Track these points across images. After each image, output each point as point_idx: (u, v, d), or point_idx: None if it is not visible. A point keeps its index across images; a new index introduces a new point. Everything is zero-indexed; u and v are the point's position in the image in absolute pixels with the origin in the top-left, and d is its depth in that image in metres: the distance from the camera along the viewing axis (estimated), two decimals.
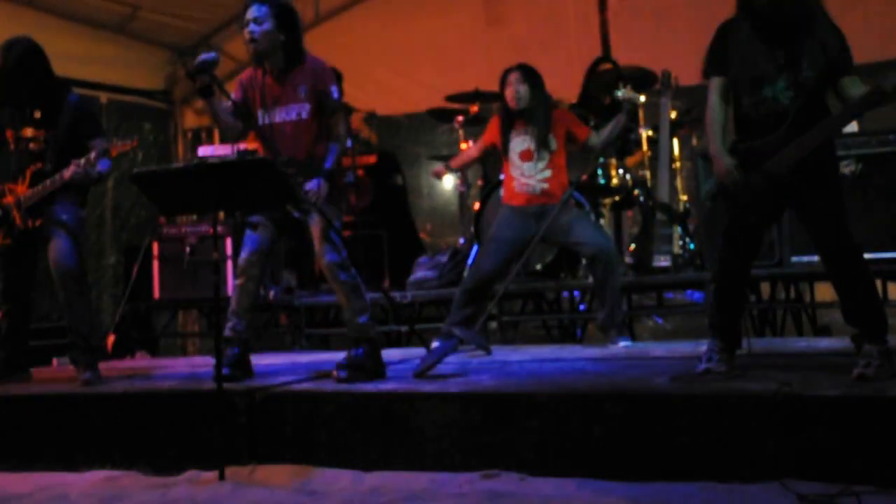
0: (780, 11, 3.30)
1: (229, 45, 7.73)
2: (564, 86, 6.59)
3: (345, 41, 7.59)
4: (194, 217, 6.62)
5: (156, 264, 6.60)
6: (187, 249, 6.50)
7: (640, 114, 6.23)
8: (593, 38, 7.34)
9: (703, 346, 3.67)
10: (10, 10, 6.65)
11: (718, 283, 3.61)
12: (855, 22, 5.74)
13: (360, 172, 6.99)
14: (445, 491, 3.14)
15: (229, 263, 6.25)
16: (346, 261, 4.05)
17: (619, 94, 5.04)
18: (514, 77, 5.01)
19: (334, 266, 4.02)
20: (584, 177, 5.75)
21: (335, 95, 4.06)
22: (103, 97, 7.63)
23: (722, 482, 2.93)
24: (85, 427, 3.92)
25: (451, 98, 6.72)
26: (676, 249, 5.65)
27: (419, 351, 4.61)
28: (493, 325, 5.94)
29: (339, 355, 4.17)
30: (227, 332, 4.16)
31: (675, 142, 6.22)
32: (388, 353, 4.37)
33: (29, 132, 4.51)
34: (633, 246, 5.92)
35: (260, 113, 4.07)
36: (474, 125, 6.68)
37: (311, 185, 3.91)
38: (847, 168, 4.98)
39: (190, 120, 8.60)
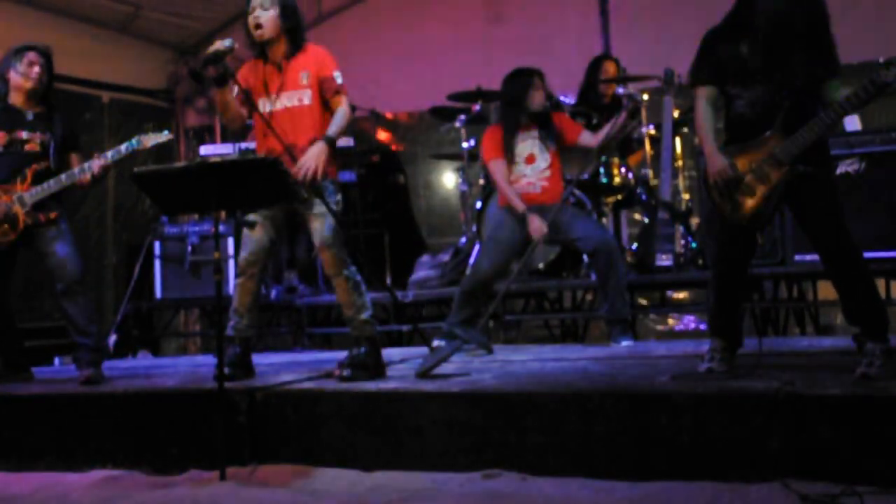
0: (777, 22, 3.31)
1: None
2: (565, 84, 6.57)
3: (346, 40, 7.59)
4: (196, 216, 6.62)
5: (157, 264, 6.61)
6: (189, 248, 6.51)
7: (643, 112, 6.22)
8: (594, 36, 7.33)
9: (704, 346, 3.66)
10: (12, 9, 6.66)
11: (717, 282, 3.60)
12: (854, 22, 5.73)
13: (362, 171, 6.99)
14: (446, 491, 3.13)
15: (231, 263, 6.25)
16: (347, 258, 4.06)
17: (620, 91, 5.03)
18: (538, 81, 5.04)
19: (336, 262, 4.02)
20: (586, 175, 5.75)
21: (338, 81, 4.08)
22: (105, 96, 7.64)
23: (724, 482, 2.92)
24: (86, 427, 3.92)
25: (452, 97, 6.72)
26: (678, 248, 5.64)
27: (421, 350, 4.60)
28: (490, 323, 5.93)
29: (341, 355, 4.17)
30: (228, 332, 4.16)
31: (678, 140, 6.22)
32: (390, 353, 4.37)
33: (23, 134, 4.53)
34: (635, 245, 5.91)
35: (262, 101, 4.08)
36: (476, 124, 6.67)
37: (310, 150, 3.89)
38: (851, 166, 4.97)
39: (191, 119, 8.59)
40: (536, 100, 5.03)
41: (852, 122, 5.36)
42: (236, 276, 4.20)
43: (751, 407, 3.00)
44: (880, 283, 4.83)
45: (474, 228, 6.12)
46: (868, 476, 2.79)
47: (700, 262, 5.64)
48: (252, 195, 3.77)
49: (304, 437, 3.62)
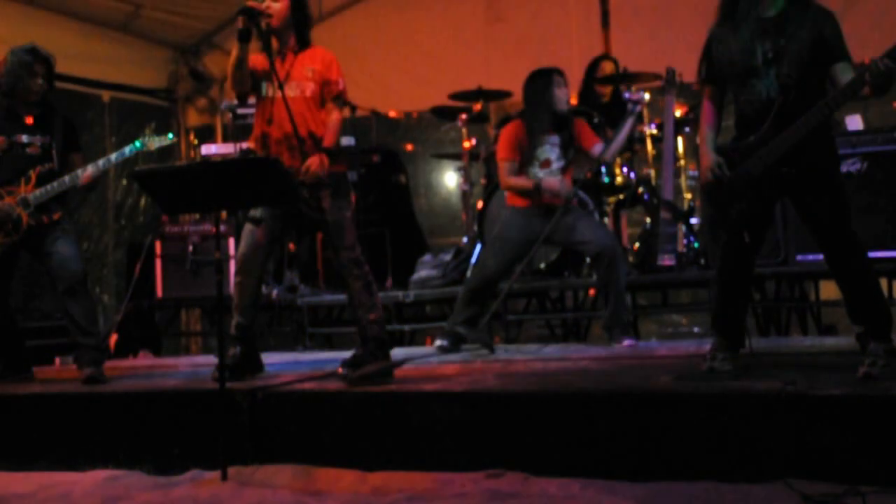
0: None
1: (231, 43, 7.70)
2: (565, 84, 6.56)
3: (346, 39, 7.57)
4: (197, 216, 6.61)
5: (158, 263, 6.60)
6: (190, 248, 6.51)
7: (645, 111, 6.21)
8: (594, 35, 7.32)
9: (707, 346, 3.65)
10: (12, 9, 6.65)
11: (720, 281, 3.60)
12: (855, 20, 5.72)
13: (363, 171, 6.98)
14: (449, 491, 3.13)
15: (232, 262, 6.24)
16: (361, 257, 4.07)
17: (626, 95, 5.02)
18: (558, 79, 5.01)
19: (349, 261, 4.04)
20: (588, 174, 5.74)
21: (341, 87, 4.11)
22: (106, 95, 7.63)
23: (726, 482, 2.91)
24: (87, 426, 3.91)
25: (454, 96, 6.71)
26: (681, 248, 5.64)
27: (423, 350, 4.60)
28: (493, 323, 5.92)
29: (342, 355, 4.16)
30: (230, 331, 4.17)
31: (680, 140, 6.21)
32: (391, 353, 4.36)
33: (23, 138, 4.53)
34: (637, 245, 5.90)
35: (264, 85, 4.10)
36: (478, 123, 6.66)
37: (311, 160, 3.92)
38: (853, 166, 4.96)
39: (192, 118, 8.59)
40: (560, 98, 5.00)
41: (855, 122, 5.36)
42: (235, 273, 4.20)
43: (753, 407, 3.00)
44: (883, 283, 4.82)
45: (476, 228, 6.12)
46: (870, 476, 2.77)
47: (702, 261, 5.63)
48: (253, 195, 3.76)
49: (305, 437, 3.62)
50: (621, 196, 6.14)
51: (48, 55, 4.57)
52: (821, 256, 3.46)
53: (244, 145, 6.27)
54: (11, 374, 4.66)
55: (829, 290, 5.64)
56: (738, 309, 3.59)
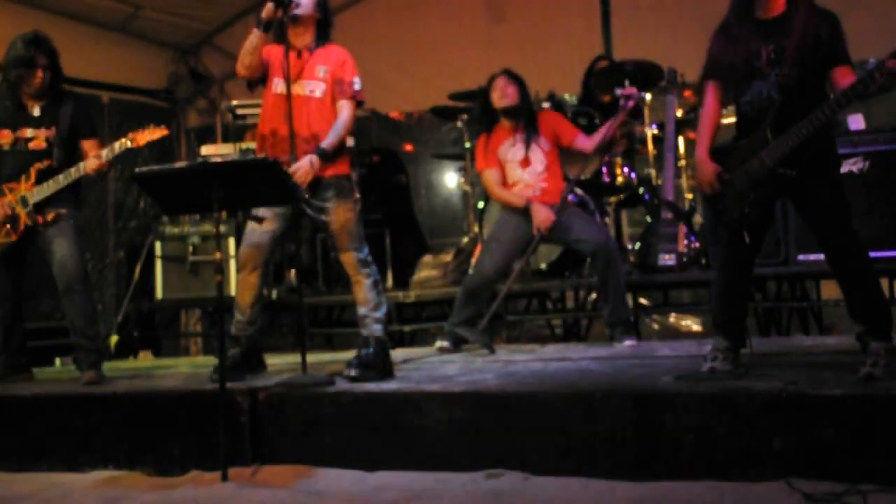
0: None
1: (232, 44, 7.71)
2: (566, 83, 6.57)
3: (346, 39, 7.53)
4: (197, 216, 6.61)
5: (158, 264, 6.60)
6: (190, 249, 6.50)
7: (646, 111, 6.21)
8: (595, 35, 7.31)
9: (707, 346, 3.65)
10: (12, 9, 6.66)
11: (721, 281, 3.59)
12: (857, 20, 5.71)
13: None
14: (449, 490, 3.12)
15: (232, 263, 6.24)
16: (368, 256, 4.07)
17: (618, 91, 5.03)
18: (501, 80, 5.09)
19: (356, 261, 4.03)
20: (585, 175, 5.73)
21: (356, 87, 4.12)
22: (105, 96, 7.63)
23: (727, 481, 2.92)
24: (88, 427, 3.91)
25: (454, 96, 6.71)
26: (681, 248, 5.63)
27: (423, 351, 4.59)
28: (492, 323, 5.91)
29: (342, 355, 4.16)
30: (231, 330, 4.16)
31: (681, 139, 6.21)
32: (392, 353, 4.35)
33: (27, 132, 4.51)
34: (637, 244, 5.90)
35: (276, 81, 4.09)
36: (478, 123, 6.63)
37: (300, 163, 3.91)
38: (855, 166, 4.95)
39: (192, 119, 8.59)
40: (496, 96, 5.08)
41: (856, 122, 5.35)
42: (237, 271, 4.21)
43: (754, 406, 2.99)
44: (884, 283, 4.82)
45: (476, 229, 6.11)
46: (871, 475, 2.77)
47: (703, 261, 5.63)
48: (253, 195, 3.76)
49: (305, 438, 3.61)
50: (622, 196, 6.14)
51: (51, 45, 4.51)
52: (821, 256, 3.46)
53: (244, 146, 6.29)
54: (11, 374, 4.65)
55: (829, 289, 5.64)
56: (738, 309, 3.59)
